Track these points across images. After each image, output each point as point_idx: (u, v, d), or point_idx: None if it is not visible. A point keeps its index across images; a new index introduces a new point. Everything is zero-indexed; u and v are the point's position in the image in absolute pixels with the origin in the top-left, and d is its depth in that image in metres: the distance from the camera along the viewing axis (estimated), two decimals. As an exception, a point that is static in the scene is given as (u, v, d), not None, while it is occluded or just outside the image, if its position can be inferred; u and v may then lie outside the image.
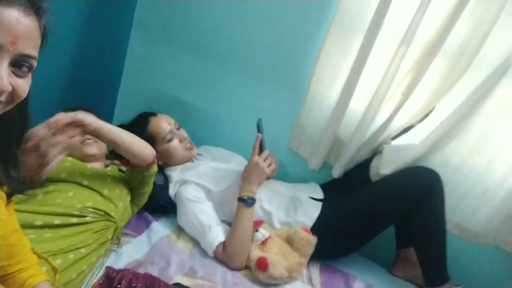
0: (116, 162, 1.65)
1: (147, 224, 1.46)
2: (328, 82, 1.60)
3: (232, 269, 1.34)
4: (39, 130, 0.95)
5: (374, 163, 1.59)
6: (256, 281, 1.31)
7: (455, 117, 1.44)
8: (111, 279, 1.01)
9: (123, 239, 1.32)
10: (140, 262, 1.26)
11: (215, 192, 1.49)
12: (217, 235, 1.37)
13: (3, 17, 0.57)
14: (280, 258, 1.33)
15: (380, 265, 1.60)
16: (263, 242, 1.38)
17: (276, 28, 1.68)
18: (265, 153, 1.47)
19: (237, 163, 1.65)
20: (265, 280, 1.30)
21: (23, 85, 0.63)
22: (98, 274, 1.12)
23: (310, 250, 1.40)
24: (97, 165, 1.40)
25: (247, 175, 1.44)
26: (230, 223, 1.44)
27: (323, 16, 1.58)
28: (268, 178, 1.52)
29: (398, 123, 1.57)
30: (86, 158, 1.37)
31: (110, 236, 1.20)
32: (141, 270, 1.18)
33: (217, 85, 1.85)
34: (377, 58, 1.48)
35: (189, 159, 1.65)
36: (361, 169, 1.63)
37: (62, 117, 0.99)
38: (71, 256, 1.05)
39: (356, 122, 1.58)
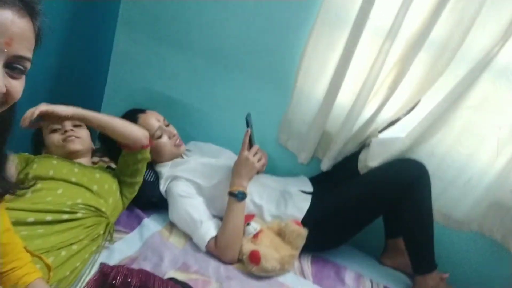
0: (105, 159, 1.65)
1: (139, 221, 1.46)
2: (314, 76, 1.62)
3: (224, 263, 1.35)
4: None
5: (362, 156, 1.62)
6: (249, 274, 1.32)
7: (439, 110, 1.48)
8: (105, 275, 1.01)
9: (115, 235, 1.32)
10: (133, 259, 1.27)
11: (206, 187, 1.50)
12: (208, 229, 1.38)
13: None
14: (272, 251, 1.34)
15: (369, 255, 1.64)
16: (255, 236, 1.40)
17: (262, 24, 1.69)
18: (255, 147, 1.49)
19: (227, 158, 1.66)
20: (257, 273, 1.31)
21: (17, 86, 0.63)
22: (91, 271, 1.12)
23: (301, 242, 1.42)
24: (84, 161, 1.40)
25: (237, 170, 1.45)
26: (221, 218, 1.45)
27: (309, 11, 1.60)
28: (258, 173, 1.53)
29: (384, 117, 1.60)
30: (71, 155, 1.37)
31: (101, 232, 1.21)
32: (134, 266, 1.19)
33: (204, 81, 1.86)
34: (363, 53, 1.51)
35: (179, 155, 1.65)
36: (349, 162, 1.65)
37: (25, 116, 1.09)
38: (63, 253, 1.04)
39: (344, 115, 1.60)
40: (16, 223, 0.98)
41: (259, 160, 1.48)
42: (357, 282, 1.44)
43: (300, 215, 1.50)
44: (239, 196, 1.41)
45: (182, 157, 1.67)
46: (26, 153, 1.33)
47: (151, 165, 1.61)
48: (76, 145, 1.38)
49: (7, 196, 0.78)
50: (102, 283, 1.01)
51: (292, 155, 1.78)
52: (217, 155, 1.69)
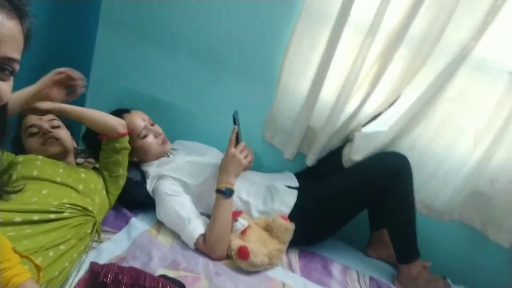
0: (91, 160, 1.64)
1: (126, 220, 1.46)
2: (298, 73, 1.65)
3: (213, 259, 1.36)
4: None
5: (346, 150, 1.65)
6: (238, 269, 1.34)
7: (419, 103, 1.52)
8: (96, 274, 1.01)
9: (103, 236, 1.32)
10: (122, 258, 1.26)
11: (193, 186, 1.51)
12: (197, 227, 1.39)
13: None
14: (260, 246, 1.36)
15: (355, 247, 1.67)
16: (243, 232, 1.41)
17: (245, 21, 1.71)
18: (241, 145, 1.50)
19: (213, 156, 1.67)
20: (246, 268, 1.33)
21: (6, 88, 0.63)
22: (80, 271, 1.12)
23: (288, 236, 1.44)
24: (68, 162, 1.39)
25: (224, 167, 1.46)
26: (209, 215, 1.46)
27: (291, 9, 1.62)
28: (244, 169, 1.55)
29: (367, 111, 1.63)
30: (53, 157, 1.36)
31: (89, 231, 1.20)
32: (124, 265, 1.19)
33: (189, 80, 1.86)
34: (345, 49, 1.54)
35: (164, 154, 1.65)
36: (333, 156, 1.68)
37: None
38: (51, 253, 1.04)
39: (327, 111, 1.63)
40: (3, 223, 0.98)
41: (245, 157, 1.50)
42: (344, 274, 1.47)
43: (287, 210, 1.52)
44: (227, 193, 1.42)
45: (168, 156, 1.68)
46: (11, 153, 1.32)
47: (138, 165, 1.61)
48: (56, 148, 1.38)
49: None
50: (93, 282, 1.01)
51: (277, 151, 1.80)
52: (203, 153, 1.70)
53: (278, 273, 1.38)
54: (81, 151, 1.63)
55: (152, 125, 1.63)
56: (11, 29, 0.59)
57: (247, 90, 1.77)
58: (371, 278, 1.49)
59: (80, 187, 1.26)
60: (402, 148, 1.57)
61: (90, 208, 1.23)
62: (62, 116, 1.34)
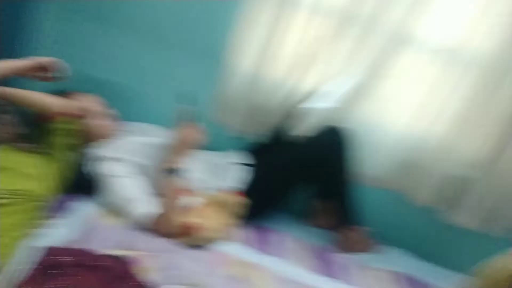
0: (36, 145, 1.56)
1: (72, 205, 1.42)
2: (244, 51, 1.67)
3: (163, 237, 1.38)
4: None
5: (291, 126, 1.72)
6: (190, 245, 1.37)
7: (362, 80, 1.63)
8: (44, 257, 0.99)
9: (50, 221, 1.29)
10: (69, 242, 1.25)
11: (146, 166, 1.50)
12: (145, 206, 1.39)
13: None
14: (210, 221, 1.40)
15: (300, 218, 1.77)
16: (194, 208, 1.45)
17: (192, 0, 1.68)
18: (190, 123, 1.51)
19: (163, 136, 1.66)
20: (196, 243, 1.36)
21: None
22: (25, 257, 1.09)
23: (239, 211, 1.50)
24: (13, 145, 1.33)
25: (174, 146, 1.47)
26: (159, 195, 1.47)
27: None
28: (193, 148, 1.56)
29: (312, 87, 1.70)
30: None
31: (35, 216, 1.17)
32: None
33: (136, 60, 1.80)
34: (290, 27, 1.58)
35: (114, 136, 1.62)
36: (281, 132, 1.74)
37: None
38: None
39: (274, 88, 1.68)
40: None
41: (195, 136, 1.51)
42: (290, 243, 1.57)
43: (238, 185, 1.58)
44: (176, 172, 1.44)
45: (118, 137, 1.64)
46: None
47: (86, 147, 1.56)
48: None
49: None
50: (42, 267, 0.99)
51: (226, 129, 1.82)
52: (153, 134, 1.68)
53: (226, 246, 1.43)
54: (26, 134, 1.55)
55: (101, 106, 1.58)
56: None
57: (195, 68, 1.75)
58: (314, 245, 1.61)
59: (26, 171, 1.22)
60: (344, 122, 1.67)
61: (36, 193, 1.19)
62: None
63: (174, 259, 1.28)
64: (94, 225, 1.35)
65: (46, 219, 1.24)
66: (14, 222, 1.07)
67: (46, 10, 1.81)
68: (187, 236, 1.37)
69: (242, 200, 1.49)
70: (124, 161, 1.49)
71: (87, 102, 1.53)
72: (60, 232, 1.26)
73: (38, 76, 1.35)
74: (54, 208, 1.36)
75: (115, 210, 1.45)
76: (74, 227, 1.32)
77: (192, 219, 1.40)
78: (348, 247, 1.63)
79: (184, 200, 1.45)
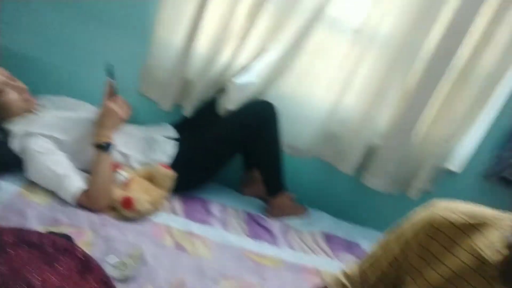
0: None
1: (-4, 183, 1.36)
2: (172, 25, 1.66)
3: (96, 212, 1.38)
4: None
5: (221, 100, 1.76)
6: (124, 218, 1.39)
7: (284, 56, 1.71)
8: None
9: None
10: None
11: (67, 142, 1.46)
12: (76, 182, 1.37)
13: None
14: (143, 195, 1.43)
15: (230, 188, 1.85)
16: (125, 183, 1.45)
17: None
18: (117, 97, 1.49)
19: (86, 110, 1.61)
20: (132, 216, 1.39)
21: None
22: None
23: (170, 184, 1.53)
24: None
25: (101, 121, 1.44)
26: (87, 171, 1.45)
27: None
28: (122, 123, 1.54)
29: (239, 62, 1.75)
30: None
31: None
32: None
33: (56, 32, 1.70)
34: (217, 2, 1.60)
35: (29, 111, 1.54)
36: (209, 106, 1.78)
37: None
38: None
39: (202, 62, 1.71)
40: None
41: (121, 110, 1.49)
42: (223, 212, 1.65)
43: (168, 159, 1.60)
44: (105, 147, 1.42)
45: (35, 112, 1.56)
46: None
47: (5, 123, 1.47)
48: None
49: None
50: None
51: (154, 103, 1.82)
52: (75, 108, 1.63)
53: (162, 218, 1.47)
54: None
55: (12, 80, 1.49)
56: None
57: (119, 41, 1.71)
58: (246, 213, 1.70)
59: None
60: (270, 96, 1.75)
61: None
62: None
63: (110, 232, 1.29)
64: (17, 204, 1.30)
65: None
66: None
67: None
68: (122, 210, 1.38)
69: (171, 173, 1.52)
70: (47, 137, 1.43)
71: None
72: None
73: None
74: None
75: (41, 187, 1.40)
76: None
77: (126, 193, 1.40)
78: (277, 213, 1.75)
79: (116, 174, 1.45)
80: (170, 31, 1.68)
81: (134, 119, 1.70)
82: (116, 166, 1.48)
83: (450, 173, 1.92)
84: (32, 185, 1.42)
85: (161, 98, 1.79)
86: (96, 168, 1.40)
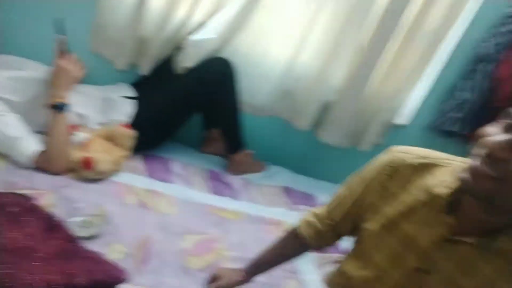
0: None
1: None
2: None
3: (54, 174, 1.36)
4: None
5: (178, 58, 1.73)
6: (84, 179, 1.38)
7: (240, 12, 1.70)
8: None
9: None
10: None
11: (19, 103, 1.40)
12: (31, 144, 1.34)
13: None
14: (104, 155, 1.42)
15: (191, 146, 1.87)
16: (84, 144, 1.43)
17: None
18: (71, 55, 1.43)
19: (36, 69, 1.54)
20: (93, 176, 1.39)
21: None
22: None
23: (130, 143, 1.53)
24: None
25: (55, 81, 1.39)
26: (43, 133, 1.40)
27: None
28: (76, 82, 1.49)
29: (195, 19, 1.71)
30: None
31: None
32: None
33: None
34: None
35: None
36: (166, 64, 1.75)
37: None
38: None
39: (157, 19, 1.65)
40: None
41: (74, 68, 1.43)
42: (184, 169, 1.67)
43: (127, 119, 1.58)
44: (61, 107, 1.38)
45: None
46: None
47: None
48: None
49: None
50: None
51: (108, 62, 1.75)
52: (23, 67, 1.54)
53: (124, 177, 1.48)
54: None
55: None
56: None
57: None
58: (207, 170, 1.74)
59: None
60: (228, 53, 1.75)
61: None
62: None
63: (72, 193, 1.29)
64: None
65: None
66: None
67: None
68: (82, 171, 1.37)
69: (131, 132, 1.51)
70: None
71: None
72: None
73: None
74: None
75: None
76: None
77: (85, 154, 1.39)
78: (237, 169, 1.80)
79: (74, 135, 1.42)
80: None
81: (88, 79, 1.64)
82: (73, 127, 1.44)
83: (398, 126, 2.05)
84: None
85: (115, 57, 1.73)
86: (52, 129, 1.36)
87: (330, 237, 1.01)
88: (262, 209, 1.65)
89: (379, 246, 0.87)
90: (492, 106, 2.02)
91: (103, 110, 1.58)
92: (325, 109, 1.95)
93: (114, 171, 1.45)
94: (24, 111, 1.41)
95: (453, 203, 0.76)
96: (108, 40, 1.71)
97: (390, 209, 0.85)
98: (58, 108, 1.37)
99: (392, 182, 0.86)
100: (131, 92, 1.69)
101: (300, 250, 1.07)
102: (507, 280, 0.75)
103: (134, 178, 1.50)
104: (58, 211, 1.18)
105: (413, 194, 0.82)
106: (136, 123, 1.58)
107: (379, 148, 1.99)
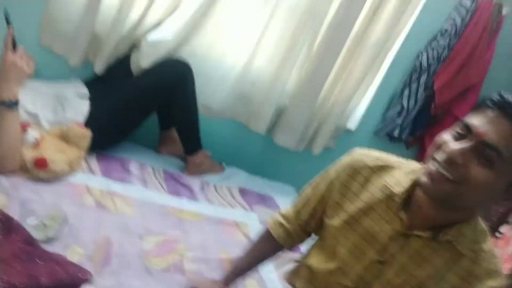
0: None
1: None
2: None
3: (5, 174, 1.28)
4: None
5: (133, 58, 1.70)
6: (37, 179, 1.31)
7: (198, 13, 1.70)
8: None
9: None
10: None
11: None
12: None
13: None
14: (58, 154, 1.36)
15: (148, 147, 1.84)
16: (36, 143, 1.36)
17: None
18: (20, 49, 1.35)
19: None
20: (47, 176, 1.32)
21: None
22: None
23: (86, 143, 1.47)
24: None
25: (3, 76, 1.30)
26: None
27: None
28: (25, 77, 1.41)
29: (151, 19, 1.70)
30: None
31: None
32: None
33: None
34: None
35: None
36: (122, 64, 1.71)
37: None
38: None
39: (112, 16, 1.62)
40: None
41: (23, 63, 1.35)
42: (141, 170, 1.64)
43: (81, 118, 1.52)
44: (10, 104, 1.30)
45: None
46: None
47: None
48: None
49: None
50: None
51: (59, 57, 1.68)
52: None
53: (80, 178, 1.43)
54: None
55: None
56: None
57: None
58: (164, 171, 1.72)
59: None
60: (185, 54, 1.75)
61: None
62: None
63: (25, 194, 1.23)
64: None
65: None
66: None
67: None
68: (36, 171, 1.30)
69: (87, 132, 1.47)
70: None
71: None
72: None
73: None
74: None
75: None
76: None
77: (38, 153, 1.32)
78: (194, 170, 1.80)
79: (25, 134, 1.34)
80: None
81: (39, 75, 1.56)
82: (24, 126, 1.36)
83: (348, 131, 2.17)
84: None
85: (68, 53, 1.66)
86: (1, 127, 1.28)
87: (299, 235, 1.07)
88: (220, 211, 1.67)
89: (342, 241, 0.94)
90: (429, 113, 2.22)
91: (56, 108, 1.50)
92: (279, 113, 2.01)
93: (69, 171, 1.39)
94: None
95: (406, 201, 0.85)
96: (59, 35, 1.64)
97: (352, 207, 0.93)
98: (7, 104, 1.29)
99: (353, 182, 0.94)
100: (86, 90, 1.63)
101: (274, 251, 1.11)
102: (455, 271, 0.84)
103: (90, 178, 1.45)
104: (10, 213, 1.11)
105: (372, 193, 0.91)
106: (90, 123, 1.52)
107: (330, 151, 2.12)
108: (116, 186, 1.47)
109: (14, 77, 1.33)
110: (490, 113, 0.73)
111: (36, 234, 1.08)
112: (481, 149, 0.71)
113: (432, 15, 1.99)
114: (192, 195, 1.67)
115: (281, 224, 1.07)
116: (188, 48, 1.77)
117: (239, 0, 1.77)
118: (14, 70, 1.32)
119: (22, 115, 1.40)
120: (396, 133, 2.20)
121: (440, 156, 0.76)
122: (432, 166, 0.76)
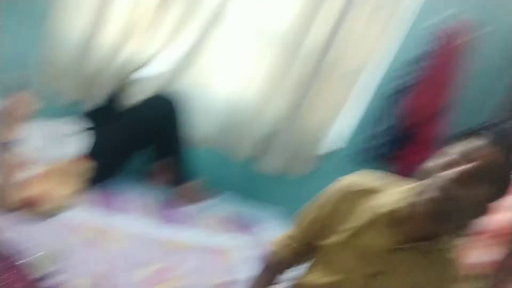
0: None
1: None
2: (72, 15, 1.64)
3: (4, 212, 1.32)
4: None
5: (125, 94, 1.78)
6: (37, 216, 1.36)
7: (189, 51, 1.80)
8: None
9: None
10: None
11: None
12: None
13: None
14: (57, 189, 1.41)
15: (141, 177, 1.90)
16: (33, 179, 1.41)
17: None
18: (20, 92, 1.41)
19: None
20: (44, 213, 1.37)
21: None
22: None
23: (83, 177, 1.54)
24: None
25: (3, 118, 1.36)
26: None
27: None
28: (26, 118, 1.47)
29: (143, 56, 1.78)
30: None
31: None
32: None
33: None
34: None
35: None
36: (114, 100, 1.79)
37: None
38: None
39: (104, 55, 1.71)
40: None
41: (25, 105, 1.42)
42: (134, 201, 1.72)
43: (79, 152, 1.60)
44: (8, 145, 1.35)
45: None
46: None
47: None
48: None
49: None
50: None
51: (55, 96, 1.75)
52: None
53: (77, 211, 1.48)
54: None
55: None
56: None
57: (23, 32, 1.62)
58: (156, 200, 1.79)
59: None
60: (175, 89, 1.83)
61: None
62: None
63: (22, 232, 1.26)
64: None
65: None
66: None
67: None
68: (31, 209, 1.35)
69: (85, 165, 1.53)
70: None
71: None
72: None
73: None
74: None
75: None
76: None
77: (34, 191, 1.37)
78: (186, 199, 1.87)
79: (21, 173, 1.39)
80: (69, 21, 1.64)
81: (39, 113, 1.62)
82: (22, 164, 1.41)
83: (330, 153, 2.26)
84: None
85: (63, 90, 1.74)
86: None
87: (305, 251, 1.13)
88: (212, 238, 1.73)
89: (338, 260, 1.02)
90: (406, 133, 2.33)
91: (54, 145, 1.57)
92: (263, 141, 2.08)
93: (65, 207, 1.44)
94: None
95: (395, 219, 0.94)
96: (55, 73, 1.72)
97: (342, 229, 1.02)
98: (4, 146, 1.35)
99: (341, 206, 1.03)
100: (82, 126, 1.70)
101: (282, 271, 1.19)
102: (446, 278, 0.94)
103: (85, 213, 1.50)
104: (5, 252, 1.15)
105: (359, 216, 1.00)
106: (88, 156, 1.60)
107: (315, 174, 2.20)
108: (111, 220, 1.54)
109: (15, 118, 1.39)
110: (481, 141, 0.83)
111: (35, 272, 1.12)
112: (484, 170, 0.81)
113: (408, 41, 2.10)
114: (183, 224, 1.73)
115: (287, 244, 1.14)
116: (177, 83, 1.85)
117: (221, 42, 1.85)
118: (14, 111, 1.39)
119: (22, 152, 1.46)
120: (377, 152, 2.30)
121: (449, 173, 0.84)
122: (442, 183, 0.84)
